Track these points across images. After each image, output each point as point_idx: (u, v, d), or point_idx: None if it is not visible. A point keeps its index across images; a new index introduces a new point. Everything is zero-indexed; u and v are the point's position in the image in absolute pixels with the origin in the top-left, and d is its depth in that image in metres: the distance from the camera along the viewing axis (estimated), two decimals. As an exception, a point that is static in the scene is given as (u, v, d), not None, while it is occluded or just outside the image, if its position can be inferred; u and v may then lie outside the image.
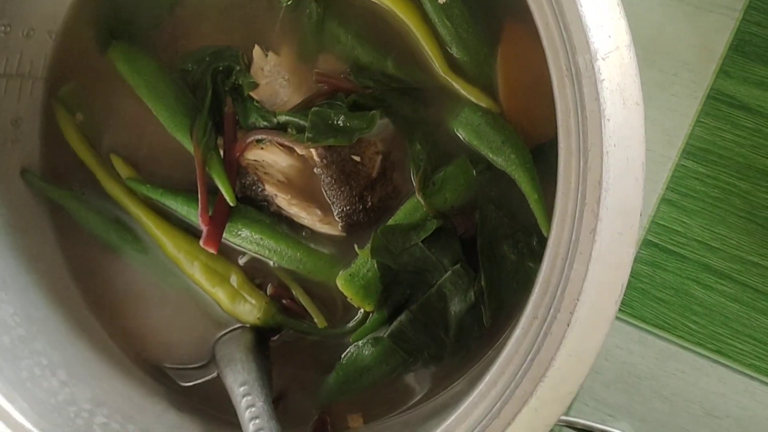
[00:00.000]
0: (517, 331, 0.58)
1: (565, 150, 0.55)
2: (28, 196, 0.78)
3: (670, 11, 0.79)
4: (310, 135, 0.69)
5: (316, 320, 0.72)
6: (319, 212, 0.72)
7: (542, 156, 0.67)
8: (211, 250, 0.72)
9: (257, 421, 0.62)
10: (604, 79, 0.52)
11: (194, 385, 0.75)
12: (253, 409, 0.64)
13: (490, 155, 0.67)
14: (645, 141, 0.53)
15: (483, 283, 0.68)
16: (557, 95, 0.56)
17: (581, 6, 0.52)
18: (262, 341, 0.73)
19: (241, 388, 0.66)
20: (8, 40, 0.73)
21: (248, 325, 0.74)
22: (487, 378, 0.58)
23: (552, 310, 0.54)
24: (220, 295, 0.74)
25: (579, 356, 0.54)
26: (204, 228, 0.72)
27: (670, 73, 0.79)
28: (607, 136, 0.52)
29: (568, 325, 0.53)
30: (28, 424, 0.65)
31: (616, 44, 0.52)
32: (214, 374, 0.73)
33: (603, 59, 0.52)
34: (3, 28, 0.72)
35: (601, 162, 0.52)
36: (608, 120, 0.52)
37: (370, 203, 0.71)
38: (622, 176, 0.52)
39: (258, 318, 0.73)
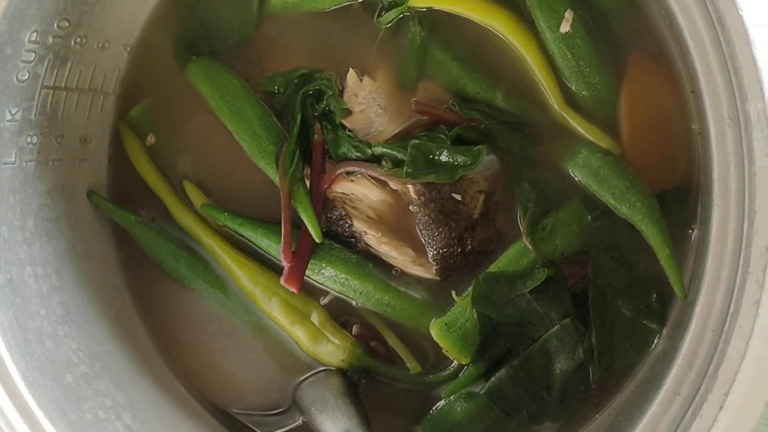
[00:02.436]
0: (654, 406, 0.52)
1: (722, 207, 0.49)
2: (94, 219, 0.73)
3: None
4: (409, 170, 0.63)
5: (408, 365, 0.67)
6: (411, 252, 0.67)
7: (664, 204, 0.61)
8: (293, 289, 0.67)
9: None
10: (778, 132, 0.45)
11: (276, 433, 0.69)
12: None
13: (612, 201, 0.61)
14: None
15: (593, 341, 0.63)
16: (714, 144, 0.50)
17: (755, 48, 0.45)
18: (351, 385, 0.66)
19: (344, 436, 0.61)
20: (83, 52, 0.68)
21: (333, 368, 0.68)
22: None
23: (703, 388, 0.48)
24: (300, 334, 0.68)
25: (730, 441, 0.47)
26: (286, 265, 0.66)
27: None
28: (778, 197, 0.45)
29: (721, 408, 0.47)
30: (93, 476, 0.59)
31: (792, 93, 0.46)
32: (299, 422, 0.67)
33: (778, 110, 0.45)
34: (78, 39, 0.67)
35: (771, 227, 0.46)
36: (781, 179, 0.45)
37: (470, 246, 0.65)
38: (791, 243, 0.46)
39: (342, 360, 0.68)
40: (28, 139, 0.66)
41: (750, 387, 0.47)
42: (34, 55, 0.64)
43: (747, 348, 0.47)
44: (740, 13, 0.45)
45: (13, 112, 0.64)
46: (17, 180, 0.65)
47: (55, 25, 0.65)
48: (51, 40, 0.65)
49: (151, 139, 0.73)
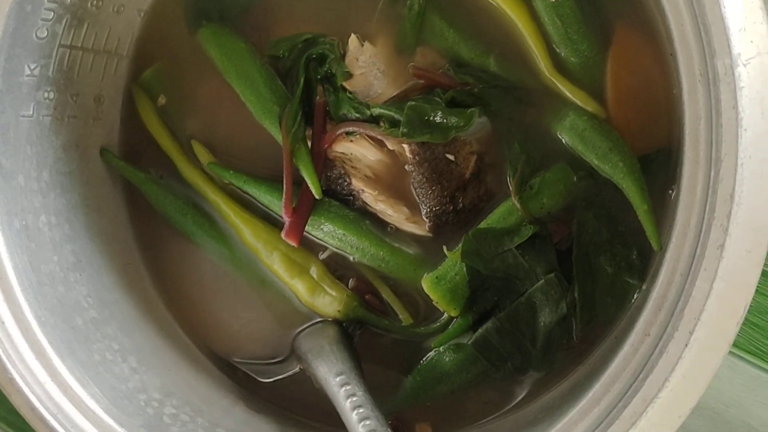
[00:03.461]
0: (625, 348, 0.55)
1: (692, 159, 0.52)
2: (105, 176, 0.77)
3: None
4: (405, 130, 0.66)
5: (401, 317, 0.70)
6: (406, 210, 0.70)
7: (647, 166, 0.64)
8: (293, 243, 0.70)
9: (361, 410, 0.59)
10: (743, 86, 0.49)
11: (275, 381, 0.72)
12: (355, 398, 0.61)
13: (596, 162, 0.64)
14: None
15: (576, 295, 0.65)
16: (686, 101, 0.53)
17: (724, 7, 0.49)
18: (346, 335, 0.70)
19: (338, 378, 0.64)
20: (99, 14, 0.72)
21: (330, 319, 0.71)
22: (590, 395, 0.55)
23: (669, 328, 0.52)
24: (299, 286, 0.72)
25: (694, 378, 0.51)
26: (287, 220, 0.70)
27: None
28: (743, 147, 0.49)
29: (686, 345, 0.50)
30: (100, 411, 0.63)
31: (758, 50, 0.49)
32: (296, 369, 0.71)
33: (744, 65, 0.49)
34: (95, 2, 0.71)
35: (735, 174, 0.49)
36: (745, 130, 0.49)
37: (461, 204, 0.68)
38: (755, 190, 0.49)
39: (338, 311, 0.71)
40: (45, 95, 0.70)
41: (714, 326, 0.50)
42: (52, 14, 0.67)
43: (711, 289, 0.50)
44: (710, -27, 0.48)
45: (32, 67, 0.67)
46: (34, 133, 0.69)
47: (73, -14, 0.68)
48: (69, 0, 0.68)
49: (162, 100, 0.76)
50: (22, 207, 0.66)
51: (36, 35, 0.66)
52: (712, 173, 0.50)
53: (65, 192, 0.71)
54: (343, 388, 0.62)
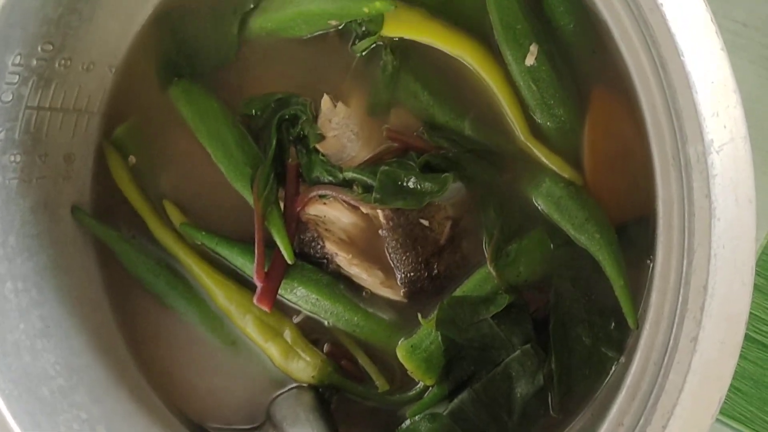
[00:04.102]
0: (598, 436, 0.53)
1: (665, 245, 0.51)
2: (75, 235, 0.75)
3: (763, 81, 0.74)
4: (377, 196, 0.65)
5: (377, 383, 0.69)
6: (380, 274, 0.68)
7: (625, 236, 0.63)
8: (265, 308, 0.69)
9: None
10: (717, 174, 0.47)
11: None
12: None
13: (572, 231, 0.63)
14: (755, 241, 0.48)
15: (553, 367, 0.64)
16: (659, 184, 0.52)
17: (696, 92, 0.47)
18: (322, 401, 0.68)
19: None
20: (68, 74, 0.70)
21: (305, 385, 0.69)
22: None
23: (642, 420, 0.50)
24: (273, 350, 0.70)
25: (668, 472, 0.49)
26: (259, 284, 0.68)
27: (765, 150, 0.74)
28: (716, 237, 0.47)
29: (660, 439, 0.48)
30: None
31: (731, 135, 0.47)
32: (271, 436, 0.69)
33: (717, 152, 0.47)
34: (63, 62, 0.69)
35: (708, 265, 0.47)
36: (718, 219, 0.47)
37: (436, 271, 0.67)
38: (729, 281, 0.47)
39: (313, 377, 0.69)
40: (12, 158, 0.68)
41: (688, 420, 0.48)
42: (18, 77, 0.66)
43: (684, 382, 0.48)
44: (681, 58, 0.46)
45: (-3, 131, 0.66)
46: (0, 198, 0.67)
47: (39, 49, 0.67)
48: (35, 62, 0.67)
49: (132, 159, 0.74)
50: (-14, 275, 0.64)
51: (0, 99, 0.64)
52: (685, 263, 0.48)
53: (33, 255, 0.70)
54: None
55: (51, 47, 0.67)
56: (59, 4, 0.66)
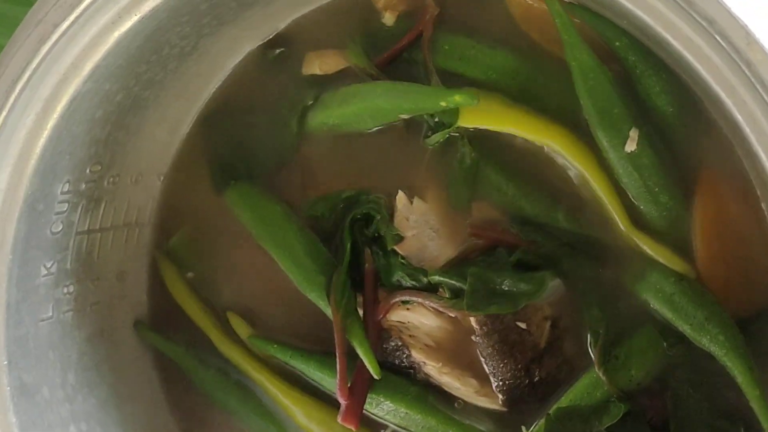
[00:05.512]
0: None
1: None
2: (136, 357, 0.71)
3: None
4: (469, 302, 0.60)
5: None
6: (475, 382, 0.63)
7: (747, 331, 0.57)
8: (351, 427, 0.63)
9: None
10: None
11: None
12: None
13: (689, 332, 0.57)
14: None
15: (678, 478, 0.58)
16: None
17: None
18: None
19: None
20: (116, 190, 0.65)
21: None
22: None
23: None
24: (363, 469, 0.64)
25: None
26: (343, 402, 0.62)
27: None
28: None
29: None
30: None
31: None
32: None
33: None
34: (112, 179, 0.64)
35: None
36: None
37: (537, 377, 0.61)
38: None
39: (409, 501, 0.63)
40: (65, 290, 0.63)
41: None
42: (67, 204, 0.61)
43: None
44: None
45: (48, 266, 0.61)
46: (55, 334, 0.62)
47: (88, 171, 0.62)
48: (84, 186, 0.62)
49: (190, 274, 0.69)
50: (49, 423, 0.60)
51: (51, 231, 0.60)
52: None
53: (93, 389, 0.65)
54: None
55: (99, 167, 0.62)
56: (107, 122, 0.61)
